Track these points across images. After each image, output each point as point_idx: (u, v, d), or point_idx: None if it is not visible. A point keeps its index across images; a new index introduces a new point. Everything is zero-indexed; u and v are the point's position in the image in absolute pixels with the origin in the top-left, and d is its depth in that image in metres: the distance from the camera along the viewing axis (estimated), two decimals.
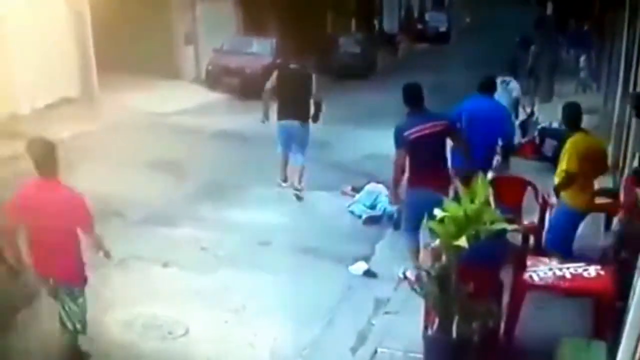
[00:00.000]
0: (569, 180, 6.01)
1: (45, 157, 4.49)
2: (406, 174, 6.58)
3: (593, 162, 6.10)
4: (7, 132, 11.10)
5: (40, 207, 4.46)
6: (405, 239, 6.87)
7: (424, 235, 6.69)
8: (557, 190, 6.22)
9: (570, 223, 6.24)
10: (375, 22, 27.83)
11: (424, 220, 6.01)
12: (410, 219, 6.70)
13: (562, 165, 6.03)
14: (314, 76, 9.43)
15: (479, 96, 7.77)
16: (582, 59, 17.42)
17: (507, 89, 10.74)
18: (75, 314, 4.72)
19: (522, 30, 20.57)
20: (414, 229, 6.64)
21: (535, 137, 11.02)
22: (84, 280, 4.77)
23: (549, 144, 10.37)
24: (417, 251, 6.63)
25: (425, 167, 6.44)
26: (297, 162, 9.37)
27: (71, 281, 4.70)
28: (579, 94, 15.89)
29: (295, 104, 9.18)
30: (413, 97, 6.55)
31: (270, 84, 9.39)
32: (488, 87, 7.89)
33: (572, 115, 6.32)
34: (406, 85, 6.58)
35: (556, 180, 6.19)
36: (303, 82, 9.25)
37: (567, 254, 5.82)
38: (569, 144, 6.05)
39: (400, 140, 6.40)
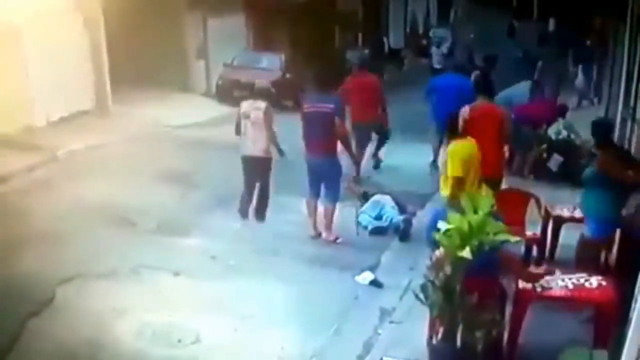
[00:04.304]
0: None
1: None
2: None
3: None
4: (23, 144, 11.31)
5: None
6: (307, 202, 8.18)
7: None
8: None
9: None
10: (385, 39, 28.07)
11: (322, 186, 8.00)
12: (310, 183, 8.14)
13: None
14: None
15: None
16: (579, 73, 17.36)
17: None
18: None
19: (526, 46, 20.66)
20: (315, 194, 8.13)
21: (542, 150, 10.83)
22: None
23: (555, 160, 10.24)
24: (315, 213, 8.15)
25: (312, 137, 7.90)
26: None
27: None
28: (582, 108, 15.93)
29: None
30: (319, 79, 8.63)
31: None
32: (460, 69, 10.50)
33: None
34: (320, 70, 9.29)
35: None
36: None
37: None
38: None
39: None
